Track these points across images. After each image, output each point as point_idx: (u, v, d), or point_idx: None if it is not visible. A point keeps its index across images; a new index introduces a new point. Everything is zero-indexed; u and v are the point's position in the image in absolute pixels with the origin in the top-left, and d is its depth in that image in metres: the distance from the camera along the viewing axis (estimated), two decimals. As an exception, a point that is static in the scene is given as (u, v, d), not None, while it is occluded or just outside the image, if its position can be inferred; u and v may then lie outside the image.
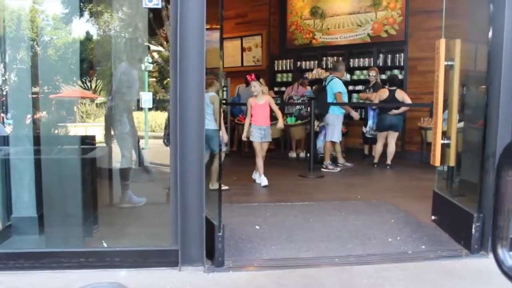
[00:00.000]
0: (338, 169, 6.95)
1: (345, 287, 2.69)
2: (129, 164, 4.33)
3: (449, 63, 3.59)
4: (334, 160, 7.18)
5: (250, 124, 5.76)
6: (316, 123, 7.40)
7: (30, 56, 4.44)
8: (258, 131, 5.68)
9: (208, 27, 2.92)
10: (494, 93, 3.18)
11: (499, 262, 1.23)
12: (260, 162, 5.71)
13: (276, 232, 3.69)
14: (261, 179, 5.70)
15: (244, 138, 5.95)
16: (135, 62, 4.92)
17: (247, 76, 5.72)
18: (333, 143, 7.01)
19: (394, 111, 7.04)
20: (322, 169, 6.87)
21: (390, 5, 8.47)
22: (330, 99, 6.83)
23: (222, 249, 2.93)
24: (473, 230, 3.21)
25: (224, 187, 5.32)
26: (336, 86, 6.86)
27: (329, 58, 9.37)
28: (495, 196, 1.26)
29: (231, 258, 3.05)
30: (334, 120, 6.86)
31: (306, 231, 3.73)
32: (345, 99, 6.98)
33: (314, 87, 8.19)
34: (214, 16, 3.28)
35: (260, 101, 5.68)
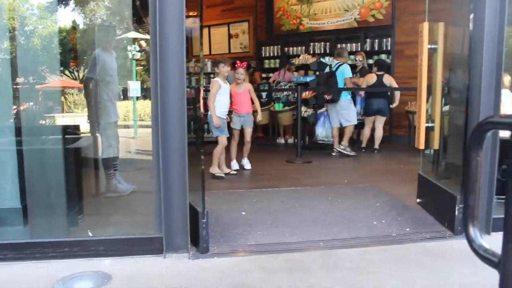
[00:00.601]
0: (354, 153, 6.99)
1: (330, 270, 2.71)
2: (111, 153, 4.29)
3: (433, 46, 3.60)
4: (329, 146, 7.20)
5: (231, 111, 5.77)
6: (304, 108, 7.40)
7: (13, 46, 4.37)
8: (238, 119, 5.69)
9: (195, 14, 2.89)
10: (476, 77, 3.20)
11: (470, 241, 1.24)
12: (233, 145, 5.75)
13: (262, 218, 3.71)
14: (244, 162, 5.85)
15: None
16: (120, 50, 4.86)
17: (238, 61, 5.68)
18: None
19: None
20: (334, 153, 6.97)
21: (377, -11, 8.45)
22: (341, 84, 6.85)
23: (207, 236, 2.94)
24: (456, 212, 3.25)
25: (220, 174, 5.36)
26: (347, 72, 6.91)
27: (316, 43, 9.34)
28: (465, 176, 1.27)
29: (216, 244, 3.06)
30: (348, 104, 6.91)
31: (291, 216, 3.75)
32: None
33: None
34: (197, 3, 3.25)
35: (239, 89, 5.67)
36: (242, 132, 5.72)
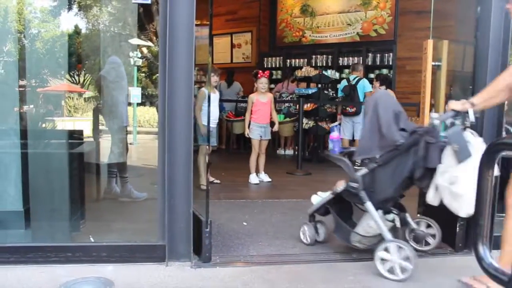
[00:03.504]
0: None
1: (331, 283, 2.72)
2: (124, 158, 4.33)
3: (437, 63, 3.64)
4: None
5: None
6: (305, 120, 7.42)
7: (17, 49, 4.39)
8: (258, 129, 5.66)
9: (198, 23, 2.93)
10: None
11: (480, 259, 1.26)
12: (254, 158, 5.71)
13: (264, 229, 3.72)
14: (261, 176, 5.79)
15: (246, 135, 5.88)
16: (124, 57, 4.91)
17: (260, 71, 5.70)
18: None
19: None
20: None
21: (380, 5, 8.54)
22: (362, 97, 6.98)
23: (209, 245, 2.94)
24: (457, 228, 3.27)
25: (216, 180, 5.37)
26: (367, 86, 7.07)
27: (318, 56, 9.40)
28: (477, 196, 1.29)
29: (218, 254, 3.06)
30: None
31: (293, 228, 3.74)
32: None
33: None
34: (204, 12, 3.29)
35: (263, 99, 5.66)
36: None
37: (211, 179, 5.46)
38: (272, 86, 9.42)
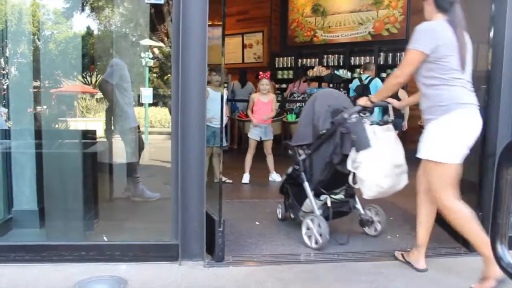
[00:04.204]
0: None
1: (344, 283, 2.71)
2: (135, 158, 4.36)
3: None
4: None
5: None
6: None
7: (31, 50, 4.44)
8: (258, 129, 5.67)
9: (209, 23, 2.93)
10: (494, 92, 3.19)
11: (498, 258, 1.24)
12: (249, 158, 5.70)
13: (276, 228, 3.72)
14: (273, 176, 5.77)
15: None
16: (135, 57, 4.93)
17: (261, 72, 5.70)
18: None
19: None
20: None
21: (392, 4, 8.49)
22: None
23: (222, 244, 2.95)
24: (472, 228, 3.22)
25: (228, 180, 5.37)
26: (380, 85, 6.93)
27: (329, 56, 9.37)
28: (495, 194, 1.27)
29: (231, 253, 3.06)
30: (378, 117, 6.92)
31: (305, 228, 3.75)
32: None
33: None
34: (215, 12, 3.29)
35: (264, 99, 5.67)
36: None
37: (223, 178, 5.45)
38: (284, 86, 9.42)
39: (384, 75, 8.19)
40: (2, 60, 4.73)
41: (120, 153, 4.49)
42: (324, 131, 3.28)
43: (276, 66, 10.17)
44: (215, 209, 2.98)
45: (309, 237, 3.31)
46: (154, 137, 8.21)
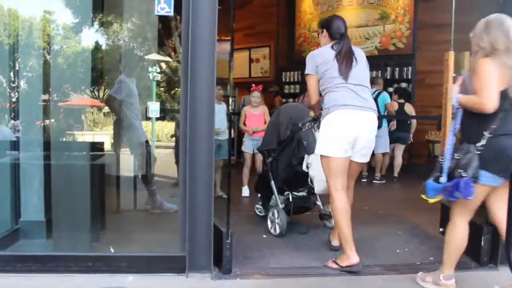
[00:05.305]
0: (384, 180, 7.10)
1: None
2: (145, 171, 4.39)
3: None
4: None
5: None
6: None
7: (40, 64, 4.49)
8: (250, 142, 5.61)
9: (217, 38, 2.95)
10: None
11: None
12: (246, 171, 5.67)
13: (284, 241, 3.69)
14: (244, 189, 5.71)
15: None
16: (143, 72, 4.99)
17: (253, 85, 5.73)
18: (383, 154, 7.08)
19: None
20: (375, 181, 7.04)
21: (398, 19, 8.51)
22: (382, 111, 6.85)
23: (230, 257, 2.93)
24: (482, 242, 3.19)
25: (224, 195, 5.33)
26: (387, 98, 7.03)
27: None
28: (509, 207, 1.25)
29: (238, 265, 3.04)
30: (385, 131, 6.92)
31: (314, 240, 3.72)
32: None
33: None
34: (224, 27, 3.32)
35: (255, 111, 5.67)
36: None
37: (220, 193, 5.32)
38: (291, 100, 9.43)
39: (391, 89, 8.18)
40: (12, 73, 4.78)
41: (127, 166, 4.50)
42: (284, 138, 3.95)
43: (283, 80, 10.18)
44: (222, 221, 2.96)
45: (272, 225, 3.91)
46: (160, 151, 8.21)
